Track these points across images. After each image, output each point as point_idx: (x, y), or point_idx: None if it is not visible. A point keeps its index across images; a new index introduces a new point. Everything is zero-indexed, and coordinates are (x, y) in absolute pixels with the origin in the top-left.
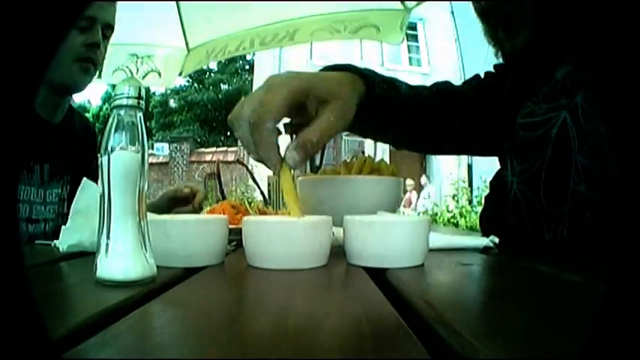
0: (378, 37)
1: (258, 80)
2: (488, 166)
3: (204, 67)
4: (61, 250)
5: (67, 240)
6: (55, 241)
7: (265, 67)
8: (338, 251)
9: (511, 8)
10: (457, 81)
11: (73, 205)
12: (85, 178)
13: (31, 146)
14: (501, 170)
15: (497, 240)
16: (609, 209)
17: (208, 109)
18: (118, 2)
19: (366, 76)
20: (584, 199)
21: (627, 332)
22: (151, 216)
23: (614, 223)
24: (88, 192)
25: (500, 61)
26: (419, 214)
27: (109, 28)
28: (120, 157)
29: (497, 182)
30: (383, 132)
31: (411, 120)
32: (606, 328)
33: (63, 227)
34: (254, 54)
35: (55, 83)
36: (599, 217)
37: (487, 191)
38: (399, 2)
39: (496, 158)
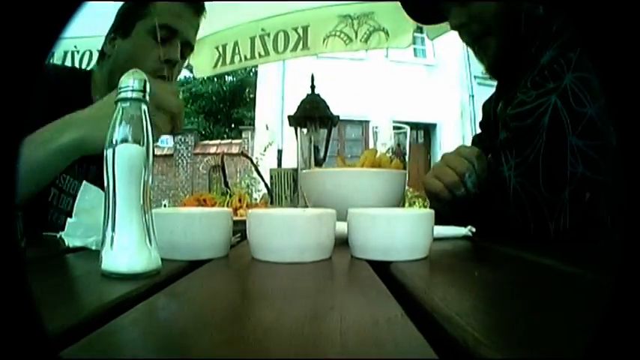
0: (388, 44)
1: (262, 72)
2: None
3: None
4: (67, 243)
5: (72, 238)
6: (60, 232)
7: None
8: (342, 244)
9: (475, 27)
10: (461, 72)
11: (76, 204)
12: (84, 182)
13: None
14: (496, 167)
15: (474, 229)
16: (608, 186)
17: (213, 101)
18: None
19: None
20: (582, 181)
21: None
22: (156, 209)
23: (616, 201)
24: (89, 194)
25: (487, 75)
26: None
27: (188, 47)
28: (125, 150)
29: (494, 179)
30: None
31: None
32: (613, 325)
33: (69, 220)
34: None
35: None
36: (599, 195)
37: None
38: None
39: None
